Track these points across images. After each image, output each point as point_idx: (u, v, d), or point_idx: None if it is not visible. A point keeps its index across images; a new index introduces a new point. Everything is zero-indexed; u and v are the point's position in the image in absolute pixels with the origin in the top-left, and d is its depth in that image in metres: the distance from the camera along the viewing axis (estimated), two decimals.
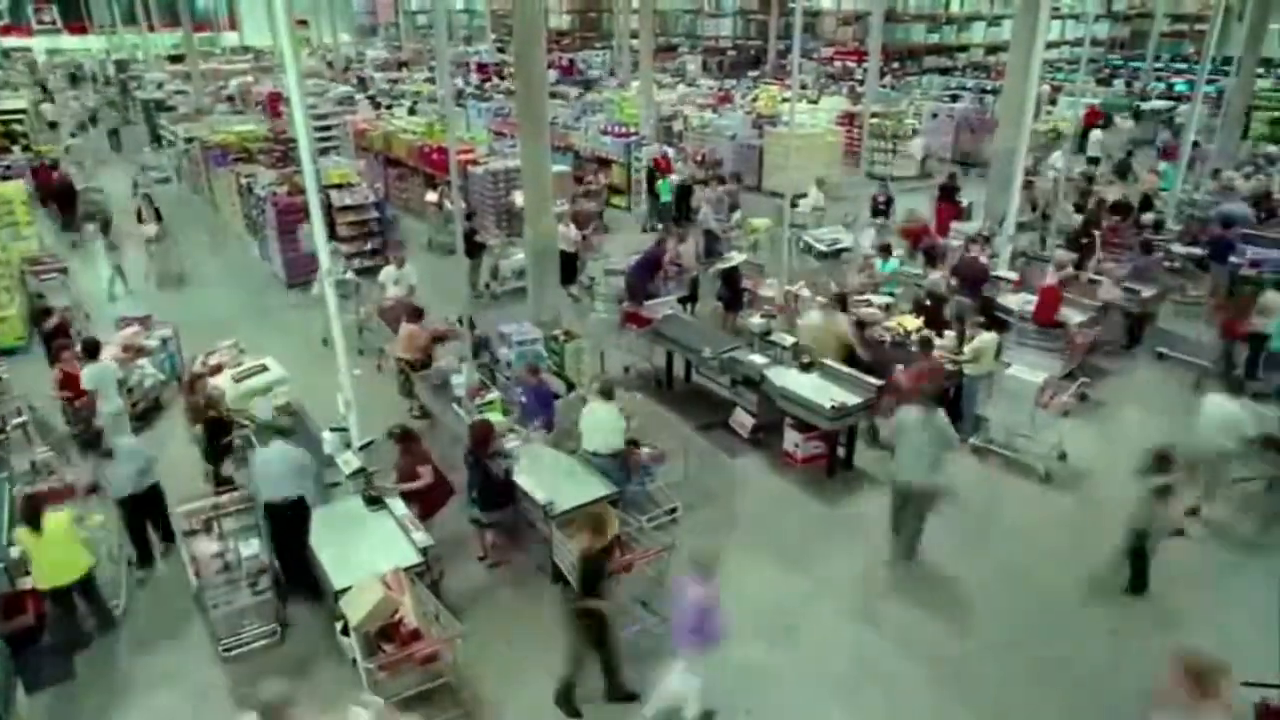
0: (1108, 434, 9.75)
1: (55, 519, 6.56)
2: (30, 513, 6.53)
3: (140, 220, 15.33)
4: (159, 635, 6.95)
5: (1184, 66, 35.09)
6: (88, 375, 8.89)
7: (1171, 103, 28.24)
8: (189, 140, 21.24)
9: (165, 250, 15.33)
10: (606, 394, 7.90)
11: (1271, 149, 21.30)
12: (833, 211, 16.45)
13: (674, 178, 17.66)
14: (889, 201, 16.25)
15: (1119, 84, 32.84)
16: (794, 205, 15.61)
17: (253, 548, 6.86)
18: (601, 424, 7.79)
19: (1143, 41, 39.45)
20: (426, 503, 7.42)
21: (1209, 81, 17.59)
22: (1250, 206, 14.92)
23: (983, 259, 11.94)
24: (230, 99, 29.22)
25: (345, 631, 6.09)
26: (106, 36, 43.58)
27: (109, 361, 9.26)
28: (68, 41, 48.73)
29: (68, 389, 9.22)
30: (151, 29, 37.99)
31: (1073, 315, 10.71)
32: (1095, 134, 22.48)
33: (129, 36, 41.62)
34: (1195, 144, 17.14)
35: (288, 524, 7.02)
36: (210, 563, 6.73)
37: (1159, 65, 35.51)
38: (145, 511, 7.66)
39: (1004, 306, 10.97)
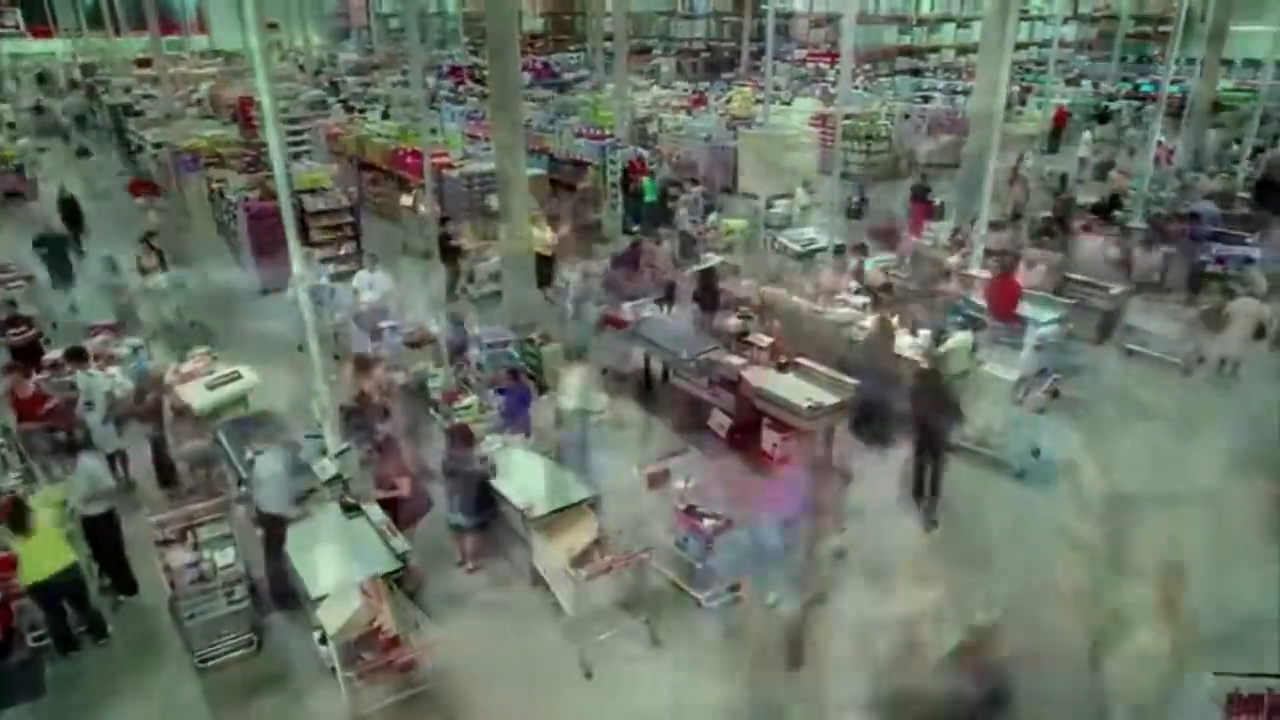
0: (1081, 429, 9.86)
1: (39, 518, 6.46)
2: (15, 516, 6.35)
3: (142, 270, 12.53)
4: (132, 647, 6.84)
5: (1150, 67, 35.63)
6: (84, 384, 8.66)
7: (1139, 102, 28.71)
8: (158, 145, 20.95)
9: (175, 310, 12.37)
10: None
11: (1235, 147, 21.70)
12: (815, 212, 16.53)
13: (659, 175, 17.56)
14: (863, 202, 16.38)
15: (1086, 84, 33.33)
16: (769, 207, 15.72)
17: (228, 557, 6.77)
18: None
19: (1109, 43, 40.04)
20: (404, 514, 7.33)
21: (1174, 82, 17.88)
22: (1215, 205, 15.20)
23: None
24: (200, 103, 28.83)
25: (323, 640, 6.03)
26: (72, 40, 42.84)
27: (95, 370, 9.02)
28: (32, 45, 47.79)
29: (19, 410, 8.68)
30: (118, 33, 37.36)
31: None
32: (1086, 135, 22.66)
33: (95, 40, 40.92)
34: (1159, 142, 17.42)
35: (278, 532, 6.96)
36: (185, 572, 6.62)
37: (1125, 65, 36.03)
38: (96, 541, 7.14)
39: (979, 305, 11.07)
